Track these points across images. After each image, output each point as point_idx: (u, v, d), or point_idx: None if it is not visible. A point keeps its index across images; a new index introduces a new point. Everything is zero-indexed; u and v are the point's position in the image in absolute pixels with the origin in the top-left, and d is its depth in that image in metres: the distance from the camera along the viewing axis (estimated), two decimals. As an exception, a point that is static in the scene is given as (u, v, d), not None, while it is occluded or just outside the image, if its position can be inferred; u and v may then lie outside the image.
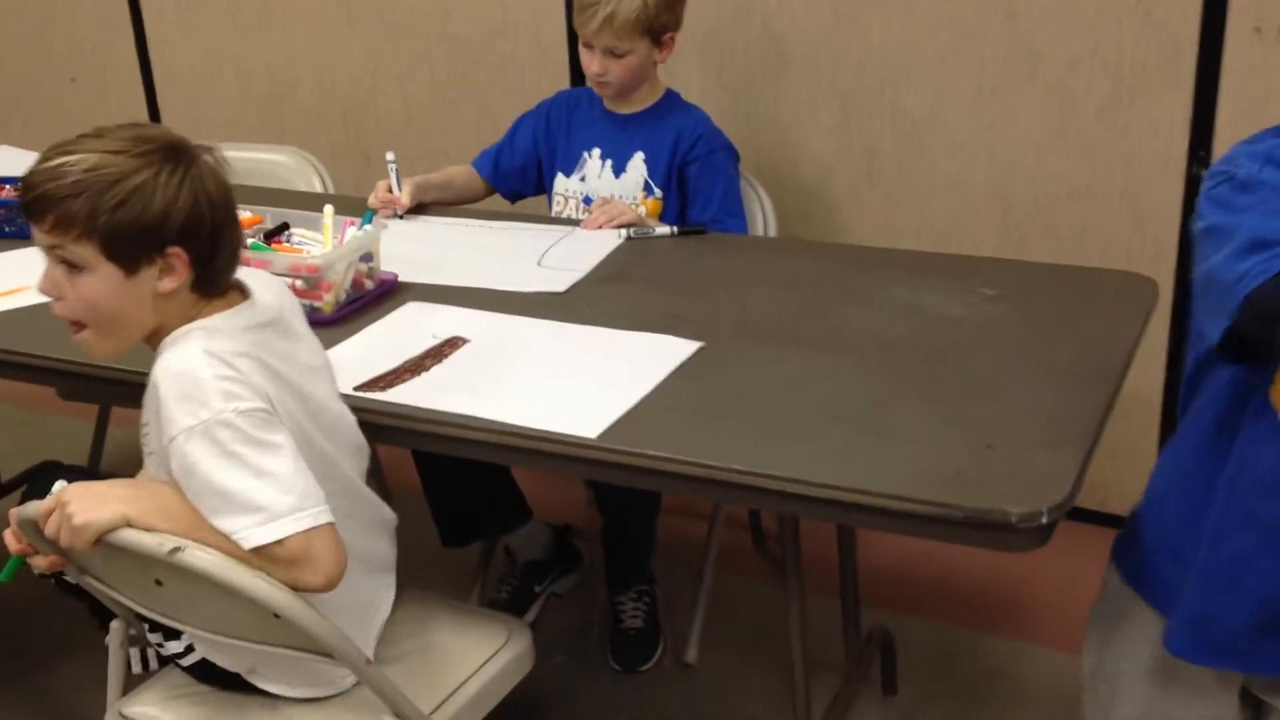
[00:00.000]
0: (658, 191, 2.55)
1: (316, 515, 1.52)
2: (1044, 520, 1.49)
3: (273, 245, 2.15)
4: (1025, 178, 2.69)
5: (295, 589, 1.52)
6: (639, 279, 2.21)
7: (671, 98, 2.61)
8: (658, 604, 2.57)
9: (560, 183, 2.63)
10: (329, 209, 2.19)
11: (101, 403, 2.95)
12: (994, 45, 2.63)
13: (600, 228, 2.41)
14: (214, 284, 1.63)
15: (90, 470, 2.32)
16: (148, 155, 1.54)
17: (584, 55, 2.52)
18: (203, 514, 1.52)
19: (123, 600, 1.68)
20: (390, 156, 2.53)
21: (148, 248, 1.55)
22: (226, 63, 3.49)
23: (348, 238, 2.15)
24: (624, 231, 2.38)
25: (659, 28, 2.48)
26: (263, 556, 1.50)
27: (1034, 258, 2.69)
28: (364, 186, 2.60)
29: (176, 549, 1.48)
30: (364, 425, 1.81)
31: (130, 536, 1.50)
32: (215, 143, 1.64)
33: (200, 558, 1.48)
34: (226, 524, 1.50)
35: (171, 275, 1.58)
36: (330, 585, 1.53)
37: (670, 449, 1.67)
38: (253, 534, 1.50)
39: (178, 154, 1.56)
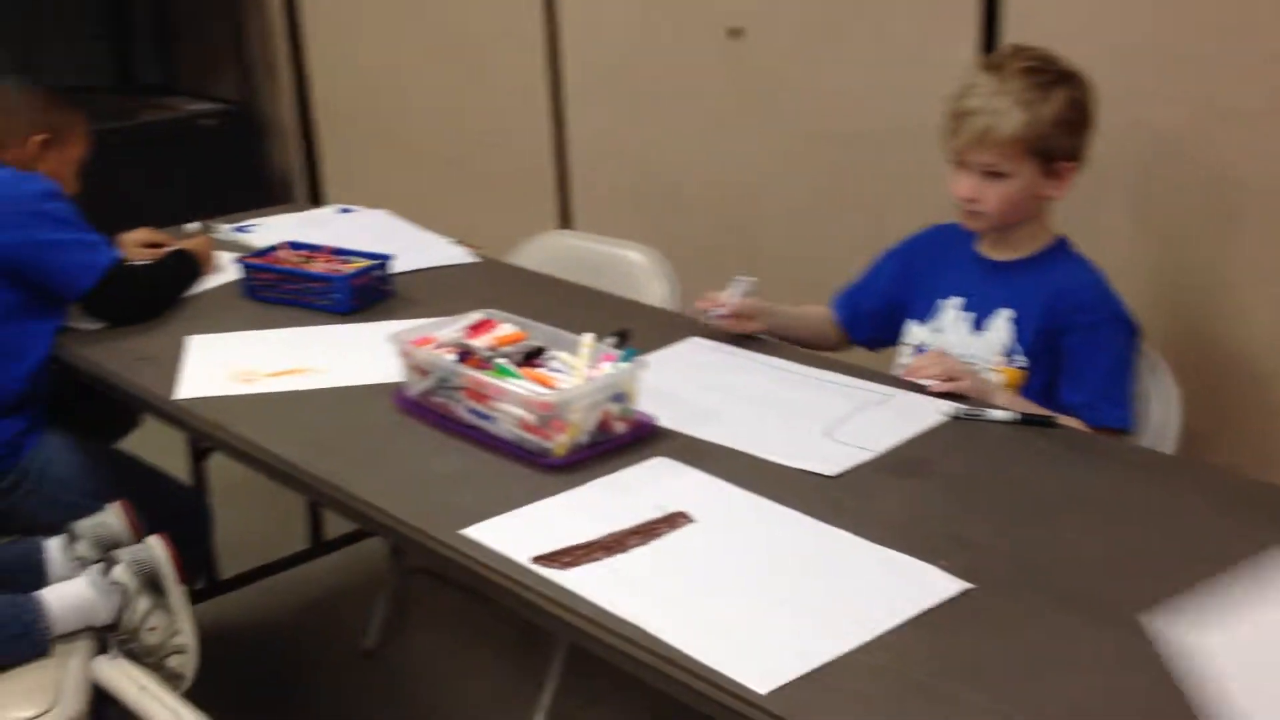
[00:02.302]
0: (1021, 359, 2.06)
1: None
2: None
3: (523, 370, 1.89)
4: None
5: None
6: (939, 476, 1.75)
7: (1060, 247, 2.12)
8: None
9: (911, 332, 2.21)
10: (587, 338, 1.90)
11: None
12: None
13: (924, 379, 1.98)
14: None
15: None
16: None
17: (954, 177, 2.09)
18: None
19: None
20: (743, 280, 2.20)
21: None
22: (630, 145, 3.33)
23: (601, 373, 1.85)
24: (950, 408, 1.92)
25: (1049, 151, 2.01)
26: None
27: None
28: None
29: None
30: (520, 602, 1.52)
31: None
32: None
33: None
34: None
35: None
36: None
37: (844, 735, 1.24)
38: None
39: None
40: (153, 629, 1.97)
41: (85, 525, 2.12)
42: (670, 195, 3.27)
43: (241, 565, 3.10)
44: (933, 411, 1.92)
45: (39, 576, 2.09)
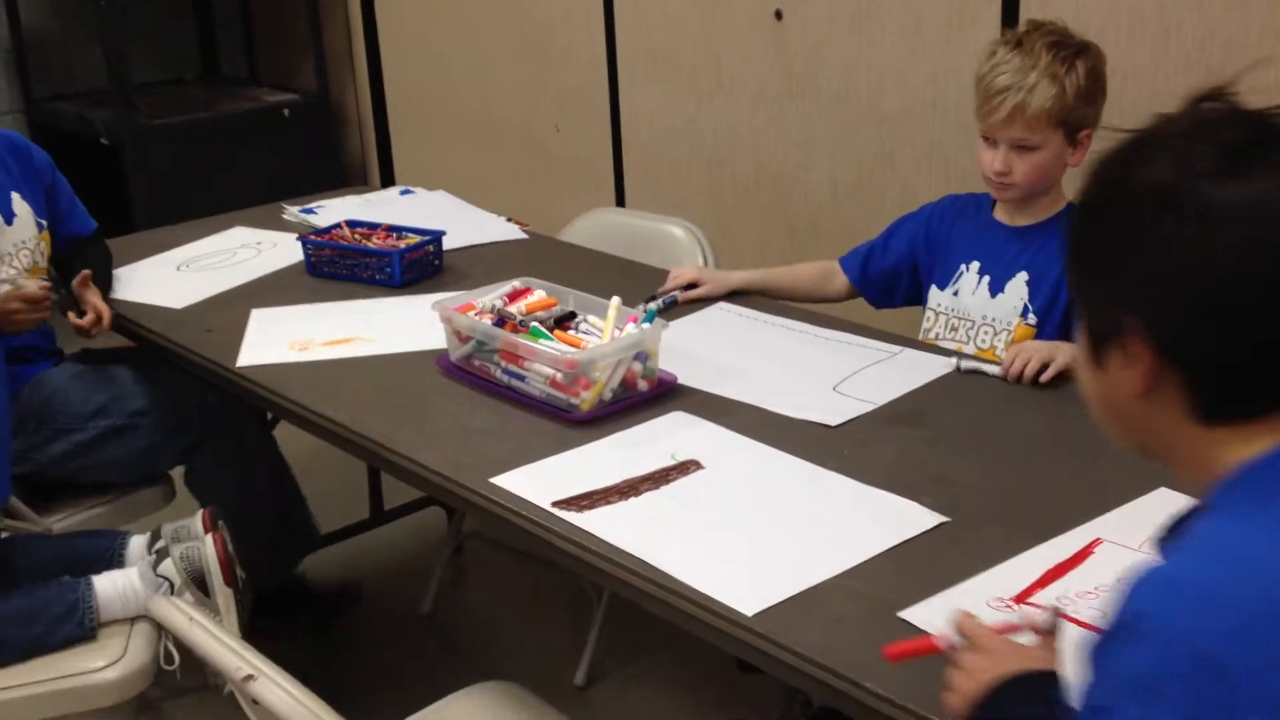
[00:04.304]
0: (1033, 318, 2.17)
1: None
2: None
3: (555, 333, 2.04)
4: None
5: None
6: (931, 425, 1.88)
7: (1072, 210, 2.21)
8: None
9: (933, 296, 2.32)
10: (615, 300, 2.05)
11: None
12: None
13: (1028, 374, 1.98)
14: None
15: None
16: None
17: (985, 154, 2.18)
18: None
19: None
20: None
21: None
22: (680, 124, 3.46)
23: (625, 334, 2.00)
24: (955, 361, 2.04)
25: (1075, 121, 2.11)
26: None
27: None
28: (786, 260, 2.42)
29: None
30: (539, 542, 1.67)
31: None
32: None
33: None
34: None
35: None
36: None
37: (820, 651, 1.38)
38: None
39: None
40: None
41: (168, 527, 2.18)
42: (717, 173, 3.40)
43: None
44: (938, 366, 2.04)
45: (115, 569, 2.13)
